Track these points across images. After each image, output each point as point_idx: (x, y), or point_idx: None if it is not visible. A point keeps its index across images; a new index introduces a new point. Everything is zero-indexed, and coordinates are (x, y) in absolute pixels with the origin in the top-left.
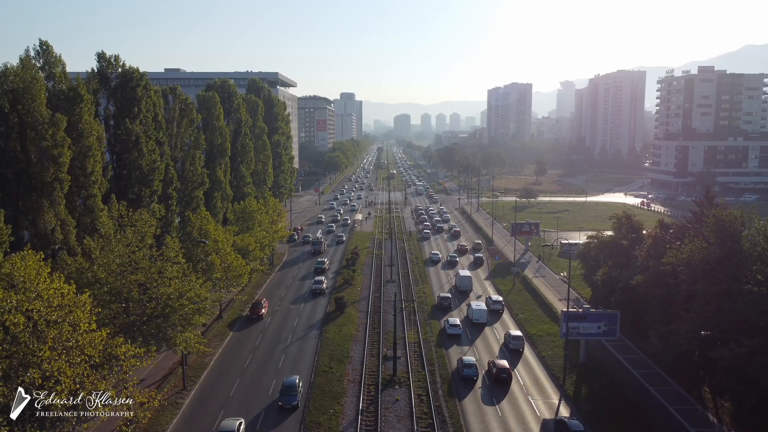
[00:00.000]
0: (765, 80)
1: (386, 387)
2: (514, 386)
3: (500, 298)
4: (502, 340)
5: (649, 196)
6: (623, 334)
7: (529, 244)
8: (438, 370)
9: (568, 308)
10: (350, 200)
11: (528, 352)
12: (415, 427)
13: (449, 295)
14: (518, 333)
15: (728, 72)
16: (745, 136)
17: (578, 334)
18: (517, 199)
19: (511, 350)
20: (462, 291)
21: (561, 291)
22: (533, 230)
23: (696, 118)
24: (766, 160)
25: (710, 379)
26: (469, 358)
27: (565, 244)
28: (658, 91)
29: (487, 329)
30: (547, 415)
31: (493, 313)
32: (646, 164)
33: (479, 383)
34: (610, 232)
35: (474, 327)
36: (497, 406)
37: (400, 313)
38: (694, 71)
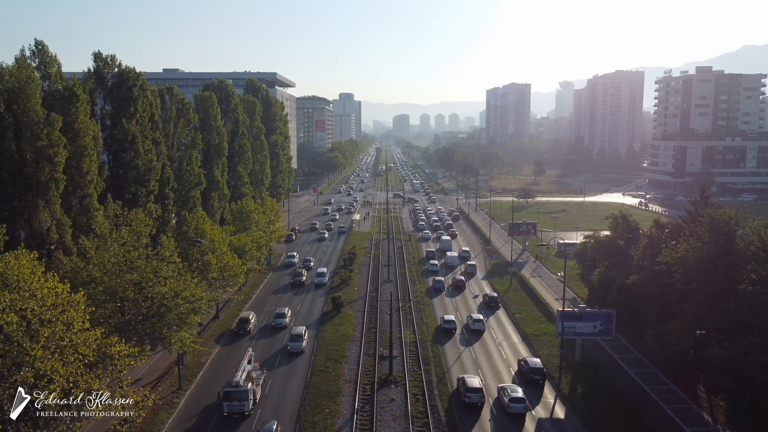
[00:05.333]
0: (763, 80)
1: (382, 386)
2: None
3: (467, 249)
4: (462, 269)
5: (647, 196)
6: (619, 334)
7: (527, 244)
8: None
9: (563, 308)
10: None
11: (524, 351)
12: (411, 427)
13: (434, 250)
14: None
15: (726, 72)
16: (743, 136)
17: (574, 334)
18: (515, 199)
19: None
20: (444, 251)
21: (558, 291)
22: (531, 230)
23: (694, 119)
24: (764, 160)
25: (705, 379)
26: (440, 279)
27: (562, 244)
28: (656, 91)
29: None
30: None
31: (462, 258)
32: (645, 164)
33: (445, 292)
34: (606, 232)
35: (448, 268)
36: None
37: (397, 312)
38: (693, 71)
